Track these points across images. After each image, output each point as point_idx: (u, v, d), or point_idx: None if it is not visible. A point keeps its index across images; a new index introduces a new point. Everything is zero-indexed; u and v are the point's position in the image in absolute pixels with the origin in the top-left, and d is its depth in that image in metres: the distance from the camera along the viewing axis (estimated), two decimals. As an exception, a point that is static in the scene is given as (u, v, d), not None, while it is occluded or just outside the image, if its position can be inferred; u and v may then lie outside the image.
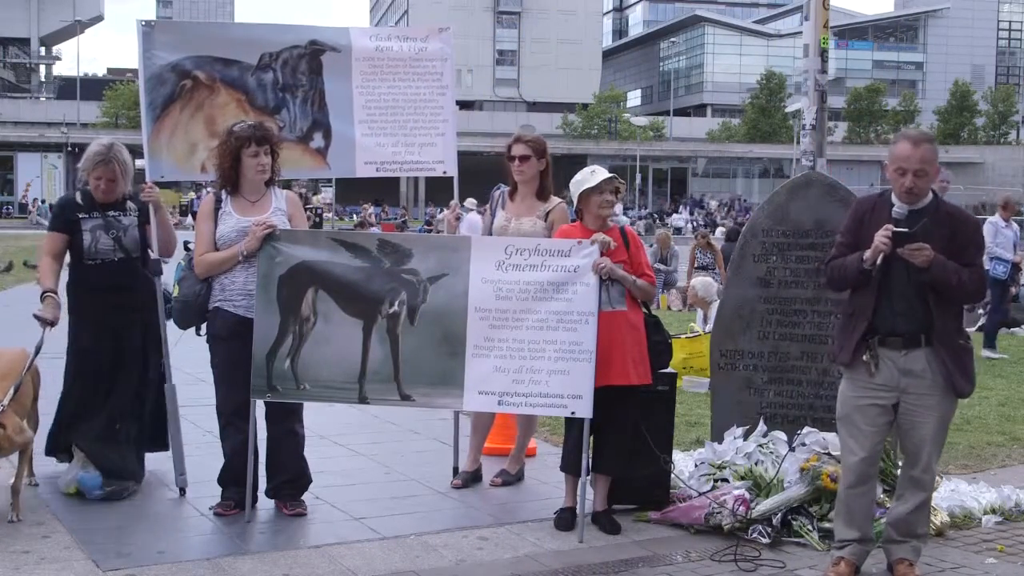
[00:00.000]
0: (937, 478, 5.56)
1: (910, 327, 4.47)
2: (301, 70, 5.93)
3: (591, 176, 5.27)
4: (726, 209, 60.21)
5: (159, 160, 5.76)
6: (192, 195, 49.89)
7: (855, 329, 4.55)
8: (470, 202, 22.73)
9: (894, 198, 4.54)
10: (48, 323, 5.40)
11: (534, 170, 5.88)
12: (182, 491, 5.65)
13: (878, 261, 4.41)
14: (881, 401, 4.53)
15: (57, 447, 5.83)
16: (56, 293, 5.51)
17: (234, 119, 5.57)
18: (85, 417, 5.66)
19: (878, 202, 4.64)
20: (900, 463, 4.84)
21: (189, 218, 43.00)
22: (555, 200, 5.90)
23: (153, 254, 5.76)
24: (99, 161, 5.62)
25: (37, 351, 5.38)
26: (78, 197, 5.76)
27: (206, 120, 5.78)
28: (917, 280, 4.42)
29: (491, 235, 5.95)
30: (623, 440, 5.31)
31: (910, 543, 4.62)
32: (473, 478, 6.08)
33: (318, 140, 6.02)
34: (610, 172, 5.32)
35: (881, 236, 4.38)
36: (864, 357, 4.52)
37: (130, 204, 5.76)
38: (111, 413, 5.64)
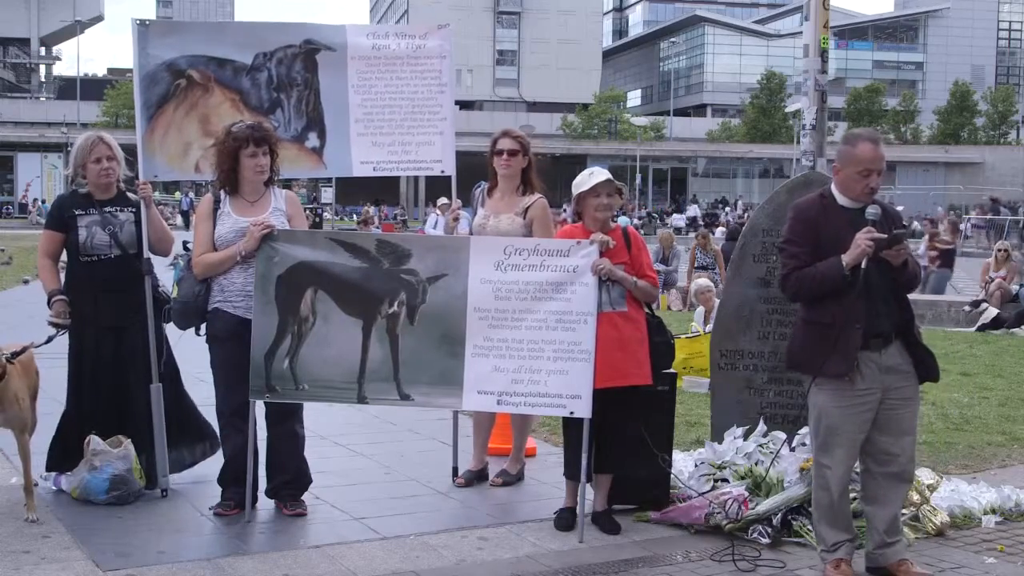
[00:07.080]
0: (937, 477, 5.58)
1: (889, 325, 4.51)
2: (296, 69, 5.91)
3: (588, 179, 5.25)
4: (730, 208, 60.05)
5: (153, 159, 5.72)
6: (186, 194, 49.77)
7: (849, 337, 4.43)
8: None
9: (841, 198, 4.54)
10: (64, 327, 5.40)
11: (520, 166, 5.89)
12: (163, 492, 5.58)
13: (862, 264, 4.38)
14: (868, 404, 4.51)
15: (59, 463, 5.64)
16: (63, 294, 5.50)
17: (228, 119, 5.56)
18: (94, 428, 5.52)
19: (825, 204, 4.59)
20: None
21: (179, 218, 42.98)
22: (535, 196, 5.89)
23: (145, 252, 5.63)
24: (94, 141, 5.57)
25: (47, 341, 5.38)
26: (76, 193, 5.64)
27: (200, 120, 5.76)
28: (890, 278, 4.49)
29: (471, 233, 5.95)
30: (625, 441, 5.30)
31: (901, 540, 4.65)
32: (479, 477, 6.07)
33: (313, 140, 6.00)
34: (610, 172, 5.31)
35: (864, 238, 4.35)
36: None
37: (131, 196, 5.64)
38: (128, 420, 5.57)
